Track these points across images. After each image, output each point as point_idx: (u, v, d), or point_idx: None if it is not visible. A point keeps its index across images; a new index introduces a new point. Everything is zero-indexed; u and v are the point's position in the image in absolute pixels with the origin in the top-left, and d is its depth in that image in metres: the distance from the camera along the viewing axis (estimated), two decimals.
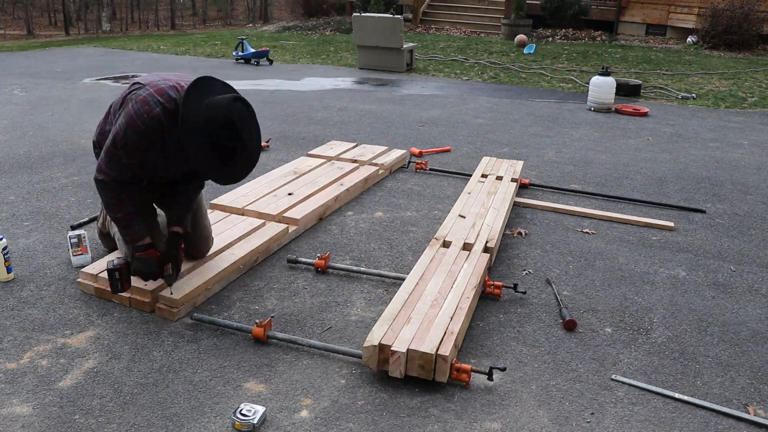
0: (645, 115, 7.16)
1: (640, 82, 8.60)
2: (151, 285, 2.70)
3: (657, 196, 4.40)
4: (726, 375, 2.44)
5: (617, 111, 7.27)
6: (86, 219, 3.63)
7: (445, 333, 2.37)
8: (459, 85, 8.93)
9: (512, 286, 2.93)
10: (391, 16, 9.78)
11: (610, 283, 3.14)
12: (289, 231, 3.46)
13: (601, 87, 7.22)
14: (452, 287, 2.74)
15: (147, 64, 10.32)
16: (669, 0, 13.26)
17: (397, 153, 4.92)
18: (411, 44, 10.20)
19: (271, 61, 10.48)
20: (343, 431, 2.06)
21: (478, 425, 2.11)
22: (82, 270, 2.87)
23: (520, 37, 12.32)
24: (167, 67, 10.00)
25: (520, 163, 4.64)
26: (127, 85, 2.57)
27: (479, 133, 6.06)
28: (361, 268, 3.13)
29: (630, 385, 2.33)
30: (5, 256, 2.91)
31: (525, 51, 11.70)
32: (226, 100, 2.37)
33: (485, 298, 2.92)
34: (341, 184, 4.10)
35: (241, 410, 2.06)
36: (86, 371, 2.32)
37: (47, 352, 2.43)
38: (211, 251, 3.02)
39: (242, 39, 10.78)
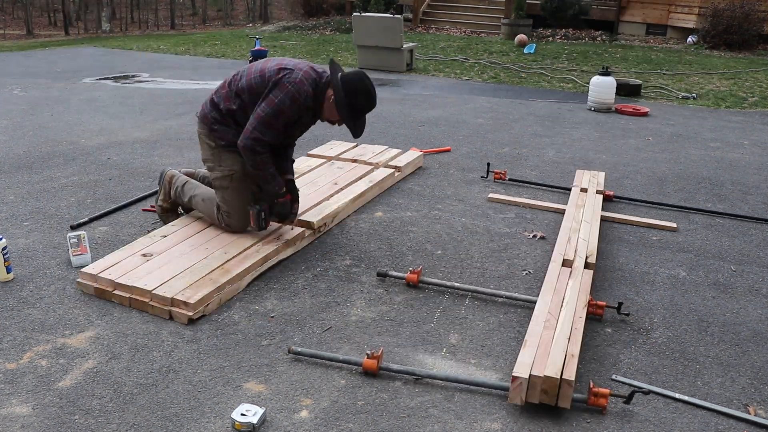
0: (645, 115, 7.15)
1: (641, 82, 8.60)
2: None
3: (657, 196, 4.40)
4: (726, 375, 2.44)
5: (617, 111, 7.27)
6: (86, 219, 3.63)
7: (566, 356, 2.26)
8: (459, 85, 8.93)
9: (616, 306, 2.78)
10: (391, 16, 9.77)
11: (610, 283, 3.14)
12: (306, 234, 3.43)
13: (602, 87, 7.22)
14: (562, 306, 2.63)
15: (147, 64, 10.32)
16: (669, 0, 13.26)
17: (413, 154, 4.84)
18: (411, 44, 10.19)
19: None
20: (343, 431, 2.06)
21: (478, 425, 2.11)
22: (82, 270, 2.87)
23: (520, 37, 12.31)
24: (168, 67, 10.01)
25: (602, 174, 4.61)
26: (270, 66, 3.07)
27: (479, 133, 6.06)
28: (455, 284, 2.98)
29: (630, 385, 2.33)
30: (5, 256, 2.91)
31: (525, 51, 11.70)
32: (361, 75, 3.09)
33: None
34: (370, 180, 4.14)
35: (241, 410, 2.06)
36: (86, 371, 2.32)
37: (47, 352, 2.42)
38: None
39: (257, 38, 10.81)
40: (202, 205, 3.32)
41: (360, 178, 4.25)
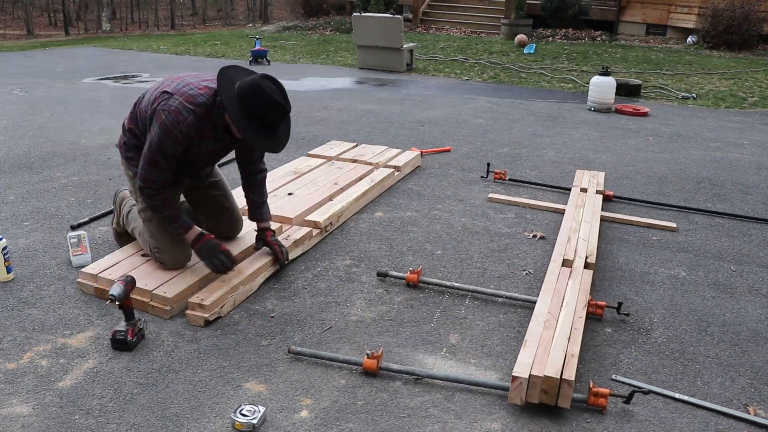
0: (645, 115, 7.15)
1: (640, 82, 8.60)
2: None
3: (657, 196, 4.40)
4: (726, 375, 2.44)
5: (617, 111, 7.27)
6: (86, 219, 3.63)
7: (566, 356, 2.26)
8: (459, 85, 8.93)
9: (616, 306, 2.77)
10: (391, 16, 9.78)
11: (610, 283, 3.14)
12: (313, 234, 3.43)
13: (601, 87, 7.22)
14: (562, 306, 2.64)
15: (147, 64, 10.32)
16: (669, 0, 13.26)
17: (410, 154, 4.84)
18: (411, 44, 10.19)
19: (269, 62, 10.48)
20: (343, 431, 2.06)
21: (478, 425, 2.11)
22: (82, 270, 2.87)
23: (520, 37, 12.31)
24: (167, 68, 10.01)
25: (602, 174, 4.62)
26: (162, 86, 2.71)
27: (479, 133, 6.06)
28: (455, 284, 2.97)
29: (630, 384, 2.33)
30: (5, 256, 2.91)
31: (525, 51, 11.70)
32: (257, 81, 2.57)
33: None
34: (371, 180, 4.13)
35: (241, 410, 2.06)
36: (86, 371, 2.32)
37: (47, 352, 2.43)
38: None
39: (257, 38, 10.83)
40: (140, 240, 2.98)
41: (361, 178, 4.25)
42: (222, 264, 2.80)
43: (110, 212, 3.76)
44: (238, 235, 3.22)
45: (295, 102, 2.99)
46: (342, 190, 4.00)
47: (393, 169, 4.48)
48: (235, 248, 3.06)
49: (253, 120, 2.58)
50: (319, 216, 3.54)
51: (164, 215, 2.76)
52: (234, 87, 2.59)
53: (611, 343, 2.61)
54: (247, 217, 3.16)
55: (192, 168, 2.88)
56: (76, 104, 6.92)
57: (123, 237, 3.22)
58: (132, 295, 2.73)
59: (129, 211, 3.09)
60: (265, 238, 3.05)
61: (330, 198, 3.85)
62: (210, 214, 3.14)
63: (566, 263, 3.07)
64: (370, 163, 4.59)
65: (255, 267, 2.96)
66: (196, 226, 2.85)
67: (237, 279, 2.83)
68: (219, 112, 2.63)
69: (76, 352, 2.43)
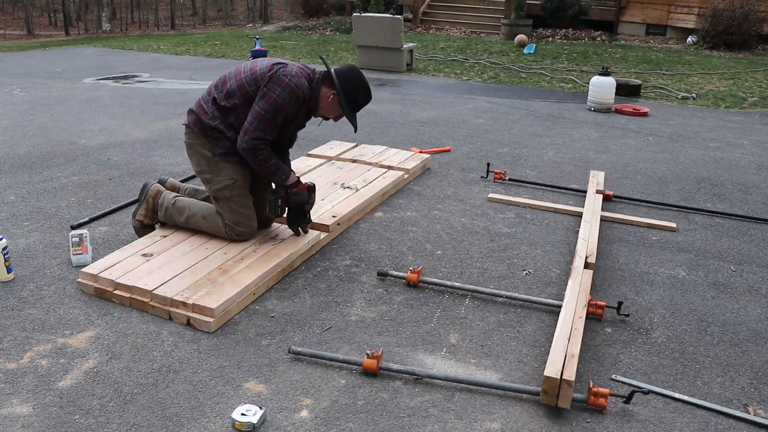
0: (645, 115, 7.15)
1: (640, 82, 8.60)
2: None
3: (657, 196, 4.40)
4: (726, 375, 2.44)
5: (617, 111, 7.27)
6: (86, 219, 3.63)
7: (566, 356, 2.26)
8: (459, 85, 8.93)
9: (616, 306, 2.78)
10: (391, 16, 9.78)
11: (610, 283, 3.14)
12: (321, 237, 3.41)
13: (601, 87, 7.22)
14: (562, 307, 2.64)
15: (147, 64, 10.32)
16: (669, 0, 13.26)
17: (421, 157, 4.80)
18: (411, 44, 10.20)
19: None
20: (343, 431, 2.06)
21: (478, 425, 2.11)
22: (82, 270, 2.87)
23: (520, 37, 12.31)
24: (168, 67, 10.01)
25: (602, 173, 4.62)
26: (261, 65, 3.01)
27: (479, 133, 6.06)
28: (455, 284, 2.98)
29: (630, 384, 2.33)
30: (5, 256, 2.91)
31: (525, 51, 11.70)
32: (355, 71, 3.08)
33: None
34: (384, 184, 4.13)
35: (241, 410, 2.06)
36: (86, 371, 2.32)
37: (47, 352, 2.43)
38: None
39: (257, 38, 10.84)
40: (204, 223, 3.18)
41: (373, 181, 4.22)
42: (302, 203, 3.15)
43: (110, 212, 3.77)
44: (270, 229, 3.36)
45: None
46: (357, 190, 4.02)
47: (403, 172, 4.45)
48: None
49: (350, 100, 3.03)
50: (328, 219, 3.54)
51: (271, 164, 3.02)
52: (332, 71, 3.03)
53: (611, 343, 2.61)
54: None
55: (281, 137, 3.14)
56: (76, 104, 6.92)
57: (147, 229, 3.31)
58: (132, 295, 2.73)
59: (175, 202, 3.23)
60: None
61: (344, 200, 3.83)
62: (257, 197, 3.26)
63: None
64: (369, 163, 4.59)
65: (269, 266, 2.95)
66: (294, 173, 3.17)
67: (248, 279, 2.81)
68: (315, 89, 3.02)
69: (76, 352, 2.43)
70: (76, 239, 3.09)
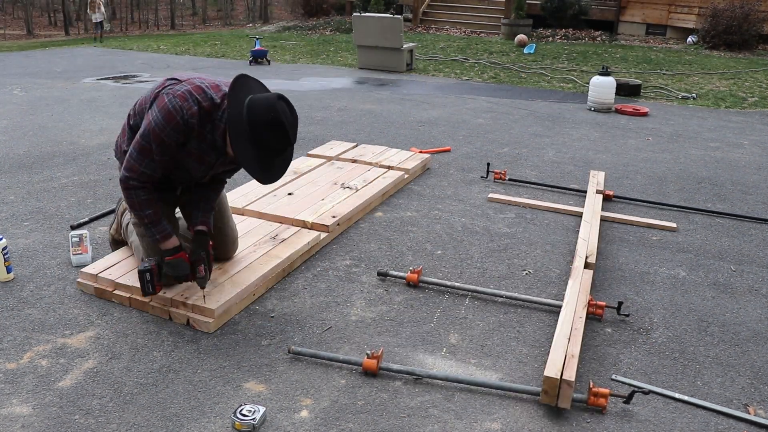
0: (645, 115, 7.15)
1: (640, 82, 8.60)
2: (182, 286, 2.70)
3: (657, 196, 4.40)
4: (726, 375, 2.44)
5: (617, 111, 7.27)
6: (86, 219, 3.63)
7: (566, 356, 2.25)
8: (459, 85, 8.93)
9: (616, 306, 2.77)
10: (391, 16, 9.78)
11: (610, 283, 3.14)
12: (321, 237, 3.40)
13: (601, 87, 7.22)
14: (562, 307, 2.64)
15: (147, 64, 10.32)
16: (669, 0, 13.26)
17: (421, 157, 4.79)
18: (411, 44, 10.20)
19: (269, 62, 10.49)
20: (343, 431, 2.06)
21: (478, 425, 2.11)
22: (82, 270, 2.87)
23: (520, 37, 12.31)
24: (167, 67, 10.01)
25: (602, 173, 4.62)
26: (157, 82, 2.53)
27: (479, 133, 6.06)
28: (455, 284, 2.97)
29: (630, 384, 2.33)
30: (5, 256, 2.91)
31: (525, 51, 11.70)
32: (272, 99, 2.36)
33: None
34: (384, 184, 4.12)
35: (241, 410, 2.06)
36: (86, 371, 2.32)
37: (47, 352, 2.43)
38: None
39: (257, 38, 10.85)
40: (135, 254, 2.85)
41: (373, 181, 4.21)
42: (179, 277, 2.55)
43: (110, 212, 3.76)
44: (234, 257, 2.99)
45: (296, 102, 2.97)
46: (357, 190, 4.01)
47: (403, 171, 4.44)
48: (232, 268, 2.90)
49: (253, 139, 2.34)
50: (329, 219, 3.54)
51: (144, 215, 2.47)
52: (245, 97, 2.38)
53: (611, 343, 2.61)
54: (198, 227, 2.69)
55: (186, 174, 2.58)
56: (76, 104, 6.92)
57: (119, 244, 3.11)
58: (132, 296, 2.73)
59: (129, 223, 2.93)
60: (206, 245, 2.64)
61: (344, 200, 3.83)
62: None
63: None
64: (369, 163, 4.59)
65: (269, 267, 2.93)
66: (176, 237, 2.55)
67: (251, 279, 2.81)
68: (223, 117, 2.41)
69: (76, 352, 2.43)
70: (76, 239, 3.09)
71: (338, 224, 3.55)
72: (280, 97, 2.40)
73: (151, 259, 2.53)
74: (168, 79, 2.48)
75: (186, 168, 2.54)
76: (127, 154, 2.47)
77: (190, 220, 2.73)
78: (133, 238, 2.88)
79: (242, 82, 2.41)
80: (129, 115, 2.63)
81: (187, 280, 2.57)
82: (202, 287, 2.59)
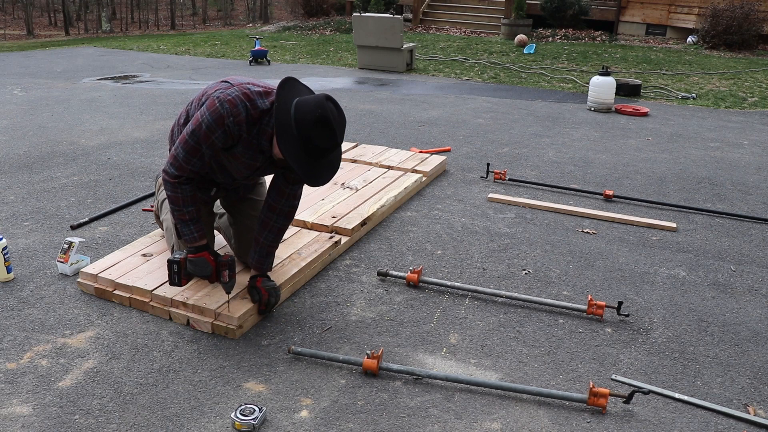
0: (645, 115, 7.15)
1: (640, 82, 8.60)
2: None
3: (657, 196, 4.40)
4: (726, 375, 2.44)
5: (617, 111, 7.27)
6: (86, 219, 3.63)
7: None
8: (459, 85, 8.93)
9: (616, 306, 2.77)
10: (391, 16, 9.78)
11: (610, 283, 3.14)
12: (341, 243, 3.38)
13: (601, 87, 7.22)
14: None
15: (147, 64, 10.33)
16: (669, 0, 13.26)
17: (438, 159, 4.77)
18: (411, 44, 10.20)
19: (269, 62, 10.49)
20: (343, 431, 2.06)
21: (478, 425, 2.11)
22: (82, 270, 2.87)
23: (520, 37, 12.31)
24: (167, 67, 10.01)
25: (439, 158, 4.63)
26: (215, 82, 2.55)
27: (479, 133, 6.06)
28: (455, 284, 2.97)
29: (630, 384, 2.33)
30: (5, 256, 2.91)
31: (525, 51, 11.70)
32: (320, 99, 2.35)
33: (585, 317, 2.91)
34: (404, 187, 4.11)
35: (241, 410, 2.06)
36: (86, 371, 2.32)
37: (47, 352, 2.43)
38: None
39: (257, 38, 10.85)
40: (166, 235, 2.87)
41: (373, 181, 4.21)
42: (203, 277, 2.57)
43: (110, 212, 3.77)
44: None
45: None
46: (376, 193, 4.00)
47: (421, 174, 4.42)
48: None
49: (301, 137, 2.31)
50: (348, 223, 3.54)
51: (186, 211, 2.50)
52: (292, 98, 2.37)
53: (611, 343, 2.61)
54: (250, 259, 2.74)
55: (228, 176, 2.63)
56: (76, 104, 6.92)
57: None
58: (132, 296, 2.73)
59: (165, 200, 2.91)
60: (255, 282, 2.67)
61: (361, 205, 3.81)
62: (236, 233, 2.93)
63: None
64: (388, 166, 4.59)
65: (288, 275, 2.90)
66: (207, 242, 2.58)
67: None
68: (270, 122, 2.41)
69: (76, 352, 2.43)
70: (65, 246, 3.01)
71: (364, 224, 3.57)
72: (328, 98, 2.38)
73: (182, 252, 2.57)
74: (221, 82, 2.50)
75: (229, 170, 2.59)
76: (173, 151, 2.50)
77: (246, 249, 2.81)
78: (167, 217, 2.86)
79: (291, 84, 2.41)
80: (180, 115, 2.68)
81: (211, 281, 2.59)
82: (228, 293, 2.57)
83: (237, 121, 2.37)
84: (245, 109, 2.37)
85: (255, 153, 2.49)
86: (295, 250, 3.12)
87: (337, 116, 2.36)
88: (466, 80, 9.37)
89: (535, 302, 2.88)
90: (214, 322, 2.56)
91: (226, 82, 2.48)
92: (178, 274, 2.52)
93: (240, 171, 2.58)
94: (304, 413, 2.13)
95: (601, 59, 10.97)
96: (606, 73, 7.21)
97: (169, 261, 2.52)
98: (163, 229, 3.02)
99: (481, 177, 4.68)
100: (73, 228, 3.52)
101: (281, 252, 3.08)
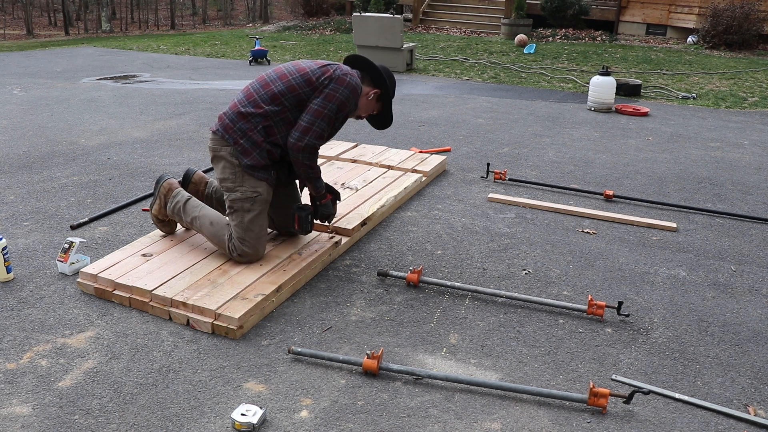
0: (645, 115, 7.15)
1: (641, 82, 8.60)
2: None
3: (657, 196, 4.40)
4: (726, 375, 2.44)
5: (617, 111, 7.27)
6: (86, 219, 3.63)
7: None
8: (459, 85, 8.93)
9: (616, 306, 2.77)
10: (391, 15, 9.77)
11: (610, 283, 3.14)
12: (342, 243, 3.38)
13: (602, 87, 7.22)
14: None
15: (147, 64, 10.32)
16: (669, 0, 13.26)
17: (438, 159, 4.77)
18: (411, 44, 10.20)
19: (269, 62, 10.49)
20: (343, 431, 2.06)
21: (478, 425, 2.11)
22: (82, 270, 2.87)
23: (520, 36, 12.31)
24: (167, 67, 10.01)
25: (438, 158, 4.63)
26: (308, 65, 2.97)
27: (479, 133, 6.06)
28: (455, 284, 2.97)
29: (630, 384, 2.33)
30: (5, 256, 2.91)
31: (525, 51, 11.70)
32: (386, 69, 3.13)
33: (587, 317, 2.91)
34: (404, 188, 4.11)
35: (241, 410, 2.06)
36: (86, 371, 2.32)
37: (47, 352, 2.42)
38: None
39: (257, 38, 10.86)
40: (209, 229, 3.00)
41: (390, 184, 4.19)
42: (328, 215, 3.20)
43: (110, 212, 3.77)
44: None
45: None
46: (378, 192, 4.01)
47: (421, 174, 4.43)
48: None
49: (392, 95, 3.13)
50: (348, 223, 3.53)
51: (316, 169, 3.02)
52: (377, 68, 3.08)
53: (611, 343, 2.61)
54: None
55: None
56: (76, 104, 6.92)
57: (163, 224, 3.23)
58: (132, 296, 2.73)
59: (187, 201, 3.09)
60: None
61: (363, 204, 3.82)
62: (275, 207, 3.14)
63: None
64: (388, 166, 4.59)
65: (291, 273, 2.92)
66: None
67: (272, 287, 2.77)
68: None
69: (76, 352, 2.43)
70: (66, 246, 3.02)
71: (364, 224, 3.59)
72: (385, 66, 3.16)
73: (304, 205, 3.11)
74: (328, 65, 2.97)
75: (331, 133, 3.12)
76: (307, 124, 2.88)
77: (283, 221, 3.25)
78: (199, 213, 3.06)
79: (362, 59, 3.13)
80: (254, 91, 2.95)
81: (330, 220, 3.23)
82: (330, 222, 3.29)
83: (360, 89, 3.01)
84: (359, 83, 3.01)
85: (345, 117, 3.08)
86: (295, 250, 3.12)
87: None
88: (466, 80, 9.36)
89: (535, 302, 2.88)
90: (214, 323, 2.57)
91: (332, 64, 2.99)
92: (311, 222, 3.08)
93: (333, 133, 3.12)
94: (304, 413, 2.13)
95: (601, 59, 10.97)
96: (606, 73, 7.21)
97: (299, 213, 3.05)
98: (194, 229, 3.11)
99: (481, 177, 4.68)
100: (72, 228, 3.52)
101: (281, 252, 3.08)
